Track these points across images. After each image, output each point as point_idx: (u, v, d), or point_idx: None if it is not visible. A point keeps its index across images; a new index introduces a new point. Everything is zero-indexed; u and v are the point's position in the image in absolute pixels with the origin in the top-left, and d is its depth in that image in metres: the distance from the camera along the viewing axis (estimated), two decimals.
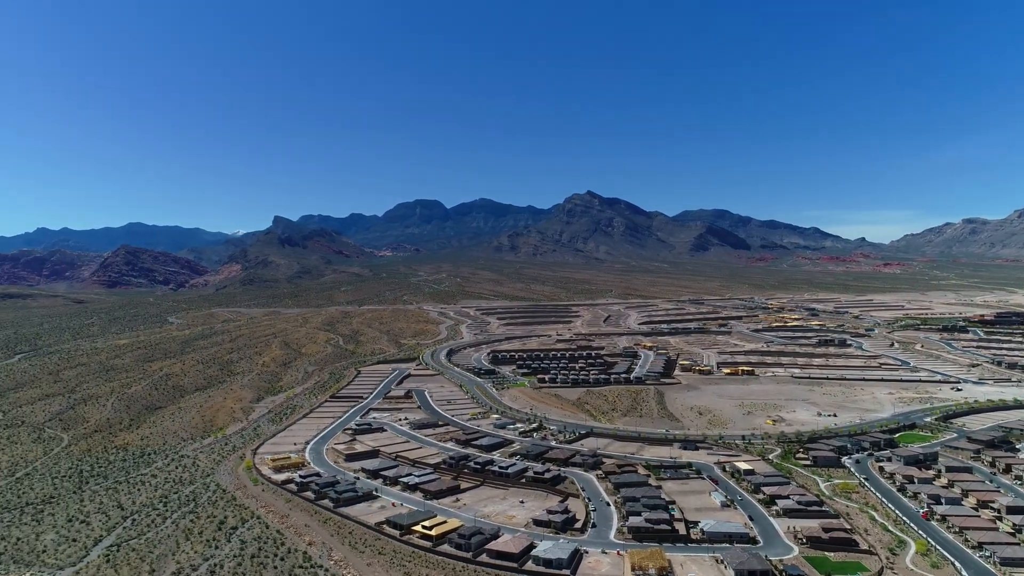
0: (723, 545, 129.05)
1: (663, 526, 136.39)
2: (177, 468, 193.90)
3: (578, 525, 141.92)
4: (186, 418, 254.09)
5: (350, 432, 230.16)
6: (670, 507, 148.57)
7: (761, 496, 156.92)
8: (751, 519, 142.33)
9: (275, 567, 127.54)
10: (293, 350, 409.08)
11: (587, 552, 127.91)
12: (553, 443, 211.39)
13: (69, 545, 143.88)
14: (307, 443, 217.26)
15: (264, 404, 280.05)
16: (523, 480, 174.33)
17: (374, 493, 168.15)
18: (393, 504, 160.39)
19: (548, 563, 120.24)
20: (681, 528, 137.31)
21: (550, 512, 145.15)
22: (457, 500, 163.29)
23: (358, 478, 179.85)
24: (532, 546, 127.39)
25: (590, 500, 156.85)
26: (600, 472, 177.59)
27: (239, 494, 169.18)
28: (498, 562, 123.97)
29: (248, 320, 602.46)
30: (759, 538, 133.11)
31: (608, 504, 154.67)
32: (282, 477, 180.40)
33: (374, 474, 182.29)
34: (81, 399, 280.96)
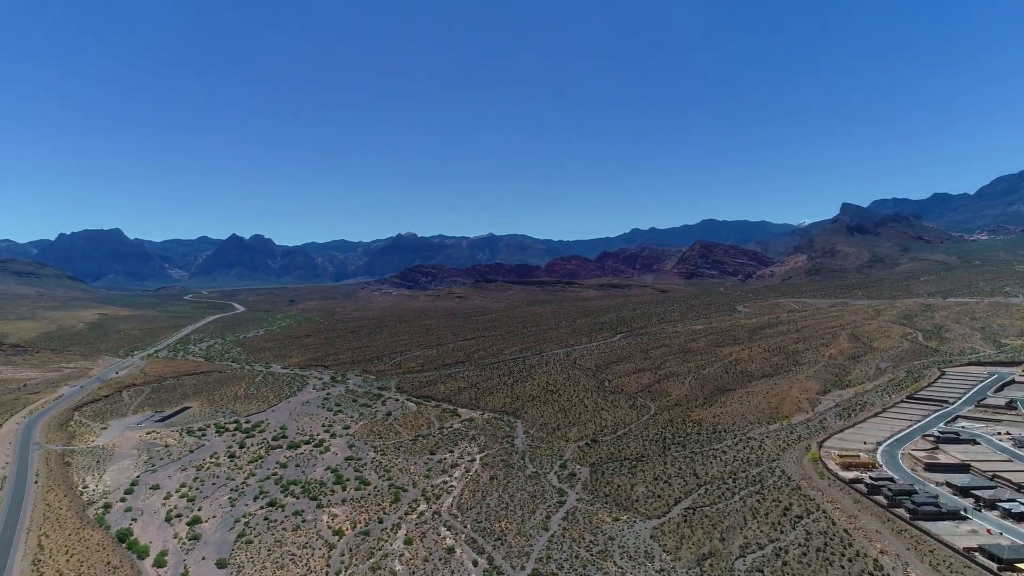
0: None
1: None
2: (744, 449, 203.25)
3: None
4: (752, 402, 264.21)
5: (931, 439, 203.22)
6: None
7: None
8: None
9: (842, 567, 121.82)
10: (863, 344, 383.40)
11: None
12: None
13: (655, 500, 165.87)
14: (878, 444, 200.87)
15: (830, 397, 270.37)
16: None
17: (962, 513, 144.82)
18: (988, 531, 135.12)
19: None
20: None
21: None
22: None
23: (940, 492, 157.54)
24: None
25: None
26: None
27: (804, 484, 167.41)
28: None
29: (814, 311, 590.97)
30: None
31: None
32: (850, 475, 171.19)
33: (963, 491, 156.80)
34: (664, 375, 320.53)
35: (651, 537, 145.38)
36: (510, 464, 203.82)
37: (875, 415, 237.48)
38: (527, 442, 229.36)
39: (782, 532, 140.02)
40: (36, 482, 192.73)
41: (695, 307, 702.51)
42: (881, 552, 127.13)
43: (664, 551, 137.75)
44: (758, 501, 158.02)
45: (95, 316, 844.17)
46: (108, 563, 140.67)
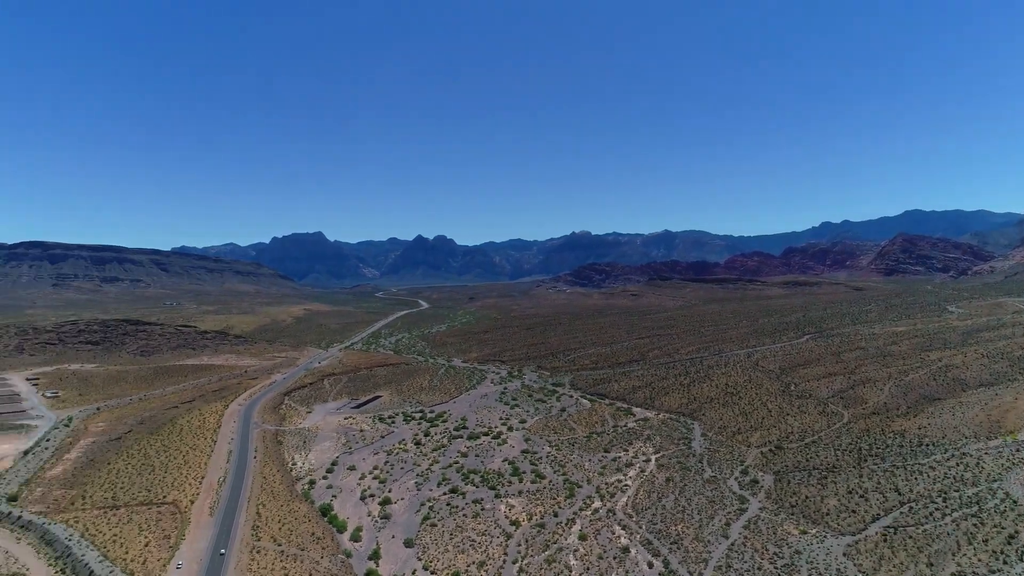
0: None
1: None
2: (957, 466, 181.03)
3: None
4: (967, 414, 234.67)
5: None
6: None
7: None
8: None
9: None
10: None
11: None
12: None
13: (849, 515, 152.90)
14: None
15: None
16: None
17: None
18: None
19: None
20: None
21: None
22: None
23: None
24: None
25: None
26: None
27: None
28: None
29: None
30: None
31: None
32: None
33: None
34: (859, 381, 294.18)
35: (844, 555, 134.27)
36: (687, 466, 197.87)
37: None
38: (705, 445, 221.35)
39: (1005, 563, 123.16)
40: (255, 457, 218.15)
41: (896, 306, 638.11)
42: None
43: (860, 571, 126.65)
44: (975, 525, 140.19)
45: (301, 311, 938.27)
46: (312, 534, 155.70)
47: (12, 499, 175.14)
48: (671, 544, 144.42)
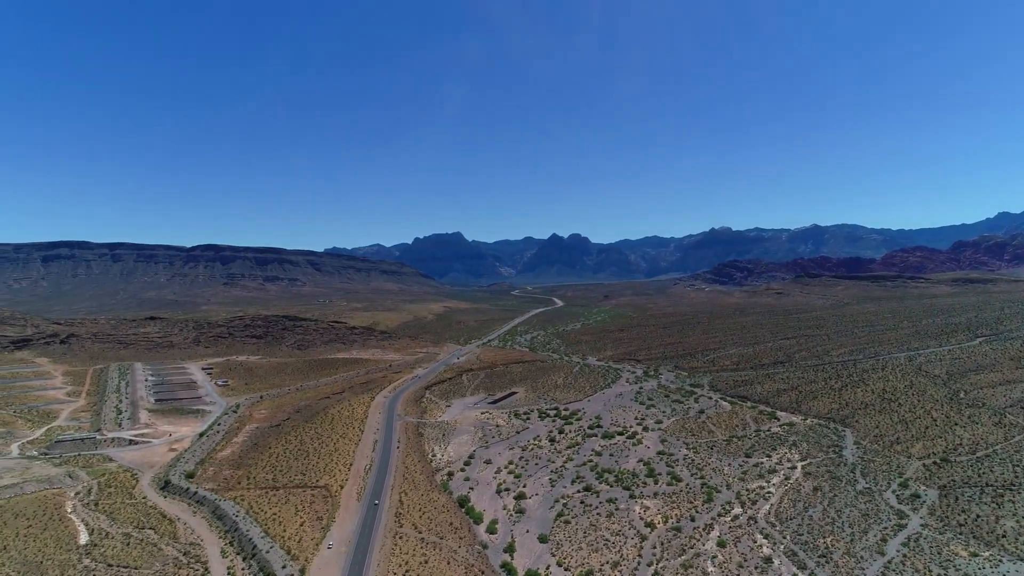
0: None
1: None
2: None
3: None
4: None
5: None
6: None
7: None
8: None
9: None
10: None
11: None
12: None
13: None
14: None
15: None
16: None
17: None
18: None
19: None
20: None
21: None
22: None
23: None
24: None
25: None
26: None
27: None
28: None
29: None
30: None
31: None
32: None
33: None
34: None
35: None
36: (837, 476, 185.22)
37: None
38: (858, 454, 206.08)
39: None
40: (398, 447, 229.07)
41: None
42: None
43: None
44: None
45: (441, 308, 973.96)
46: (450, 524, 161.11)
47: (190, 476, 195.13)
48: (818, 557, 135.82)
